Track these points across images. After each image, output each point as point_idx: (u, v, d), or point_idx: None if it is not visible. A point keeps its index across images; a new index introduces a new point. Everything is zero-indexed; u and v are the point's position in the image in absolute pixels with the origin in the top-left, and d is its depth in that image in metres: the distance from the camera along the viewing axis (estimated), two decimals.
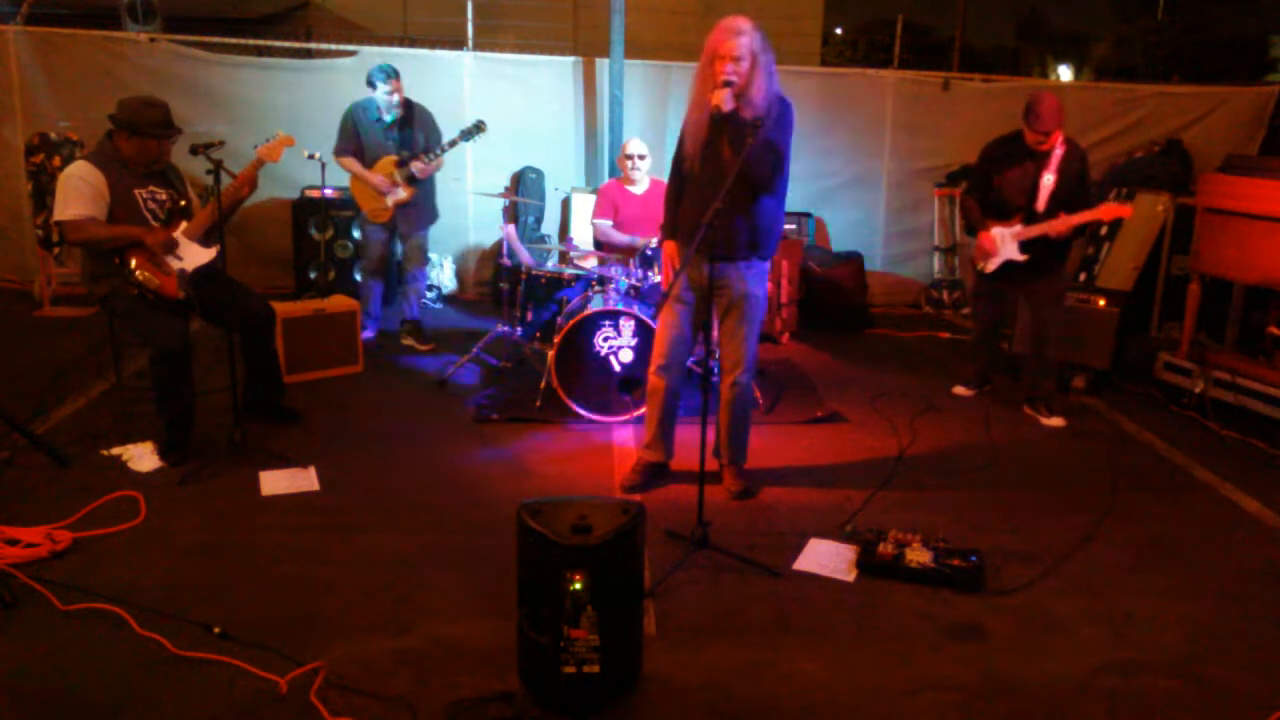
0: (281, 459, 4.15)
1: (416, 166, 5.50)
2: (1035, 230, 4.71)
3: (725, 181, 3.35)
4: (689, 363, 5.15)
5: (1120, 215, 4.57)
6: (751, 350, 3.87)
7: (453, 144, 5.56)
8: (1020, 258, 4.81)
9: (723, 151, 3.59)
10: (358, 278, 6.59)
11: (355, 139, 5.61)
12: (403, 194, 5.57)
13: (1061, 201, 4.69)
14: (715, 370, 3.98)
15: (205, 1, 11.50)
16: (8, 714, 2.53)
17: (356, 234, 6.69)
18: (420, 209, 5.77)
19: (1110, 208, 4.55)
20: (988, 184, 4.94)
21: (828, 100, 7.56)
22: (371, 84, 5.50)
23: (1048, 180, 4.73)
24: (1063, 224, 4.62)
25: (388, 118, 5.59)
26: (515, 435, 4.62)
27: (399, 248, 6.13)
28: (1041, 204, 4.74)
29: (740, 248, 3.69)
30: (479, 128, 5.55)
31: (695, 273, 3.75)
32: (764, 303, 3.87)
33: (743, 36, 3.44)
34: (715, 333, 3.89)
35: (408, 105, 5.65)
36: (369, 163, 5.62)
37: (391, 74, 5.49)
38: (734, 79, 3.45)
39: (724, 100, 3.44)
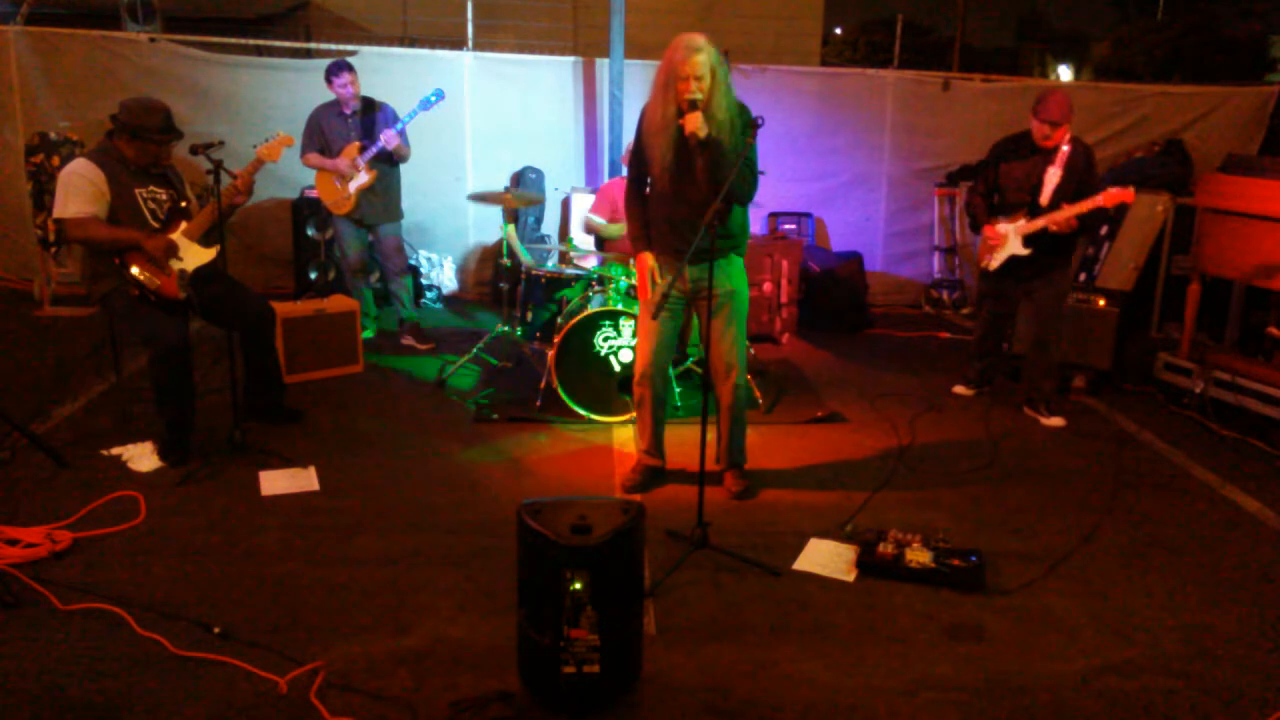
0: (281, 459, 4.15)
1: (385, 135, 5.52)
2: (1040, 222, 4.70)
3: (701, 193, 3.52)
4: (690, 363, 5.18)
5: (1123, 200, 4.51)
6: (743, 348, 3.89)
7: (412, 115, 5.60)
8: (1024, 252, 4.81)
9: (695, 172, 3.61)
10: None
11: (320, 135, 5.67)
12: (365, 178, 5.59)
13: (1067, 198, 4.68)
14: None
15: (205, 1, 11.49)
16: (8, 714, 2.53)
17: None
18: (384, 200, 5.78)
19: (1113, 193, 4.50)
20: (994, 180, 4.94)
21: (828, 100, 7.56)
22: (328, 80, 5.58)
23: (1053, 175, 4.72)
24: (1065, 213, 4.61)
25: (348, 111, 5.64)
26: (515, 435, 4.62)
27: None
28: (1045, 198, 4.74)
29: (724, 247, 3.72)
30: (437, 95, 5.60)
31: (680, 278, 3.77)
32: (747, 298, 3.89)
33: (701, 54, 3.44)
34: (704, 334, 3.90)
35: (368, 101, 5.72)
36: (333, 156, 5.66)
37: (345, 67, 5.57)
38: (699, 98, 3.46)
39: (700, 126, 3.46)
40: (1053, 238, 4.72)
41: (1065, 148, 4.72)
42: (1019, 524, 3.84)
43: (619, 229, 5.51)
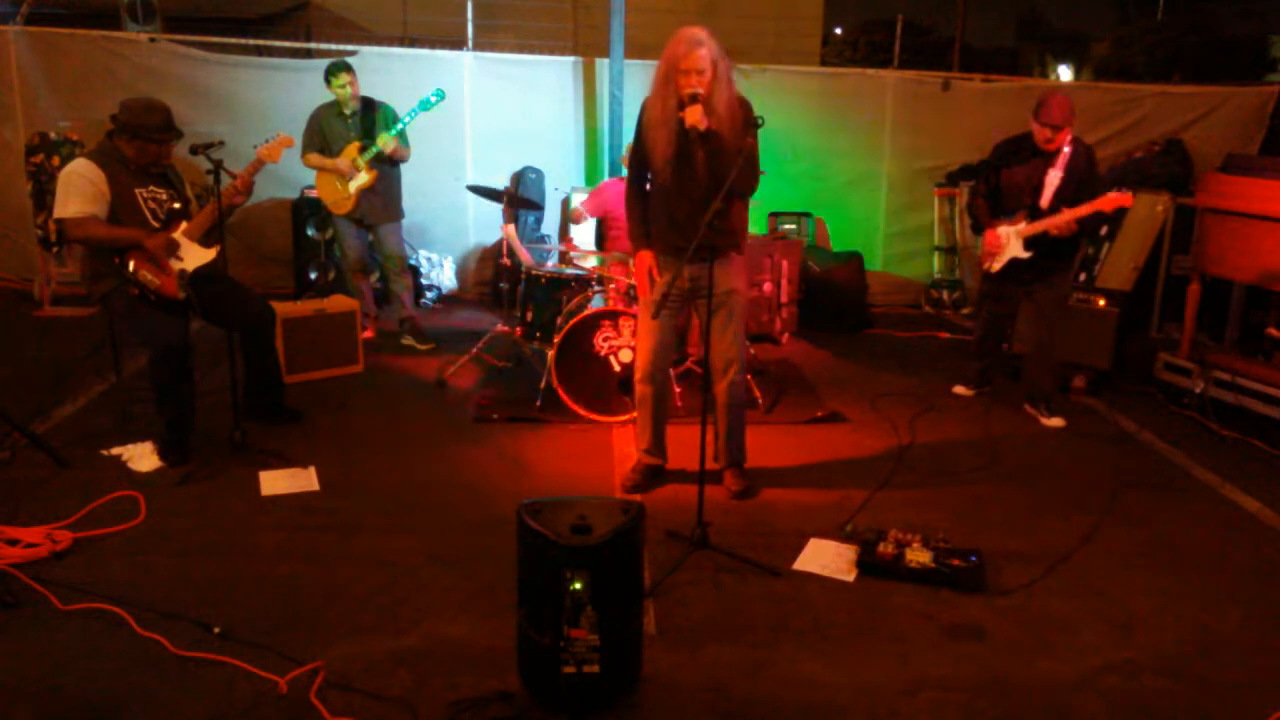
0: (281, 459, 4.15)
1: (382, 139, 5.53)
2: (1039, 226, 4.70)
3: (701, 188, 3.52)
4: (691, 363, 5.18)
5: (1122, 204, 4.51)
6: (742, 346, 3.89)
7: (412, 116, 5.60)
8: (1024, 255, 4.81)
9: (695, 166, 3.61)
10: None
11: (319, 135, 5.68)
12: (365, 177, 5.60)
13: (1067, 200, 4.68)
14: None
15: (205, 1, 11.50)
16: (8, 713, 2.53)
17: None
18: (385, 199, 5.78)
19: (1111, 198, 4.50)
20: (995, 182, 4.94)
21: (828, 100, 7.56)
22: (327, 81, 5.58)
23: (1053, 178, 4.72)
24: (1064, 217, 4.60)
25: (347, 111, 5.65)
26: (515, 435, 4.62)
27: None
28: (1046, 201, 4.74)
29: (724, 244, 3.72)
30: (438, 96, 5.60)
31: (680, 275, 3.76)
32: (746, 296, 3.88)
33: (702, 48, 3.43)
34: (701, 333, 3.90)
35: (368, 101, 5.72)
36: (333, 156, 5.66)
37: (344, 68, 5.58)
38: (700, 91, 3.45)
39: (700, 119, 3.45)
40: (1053, 240, 4.72)
41: (1066, 149, 4.71)
42: (1019, 524, 3.84)
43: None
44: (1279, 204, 4.85)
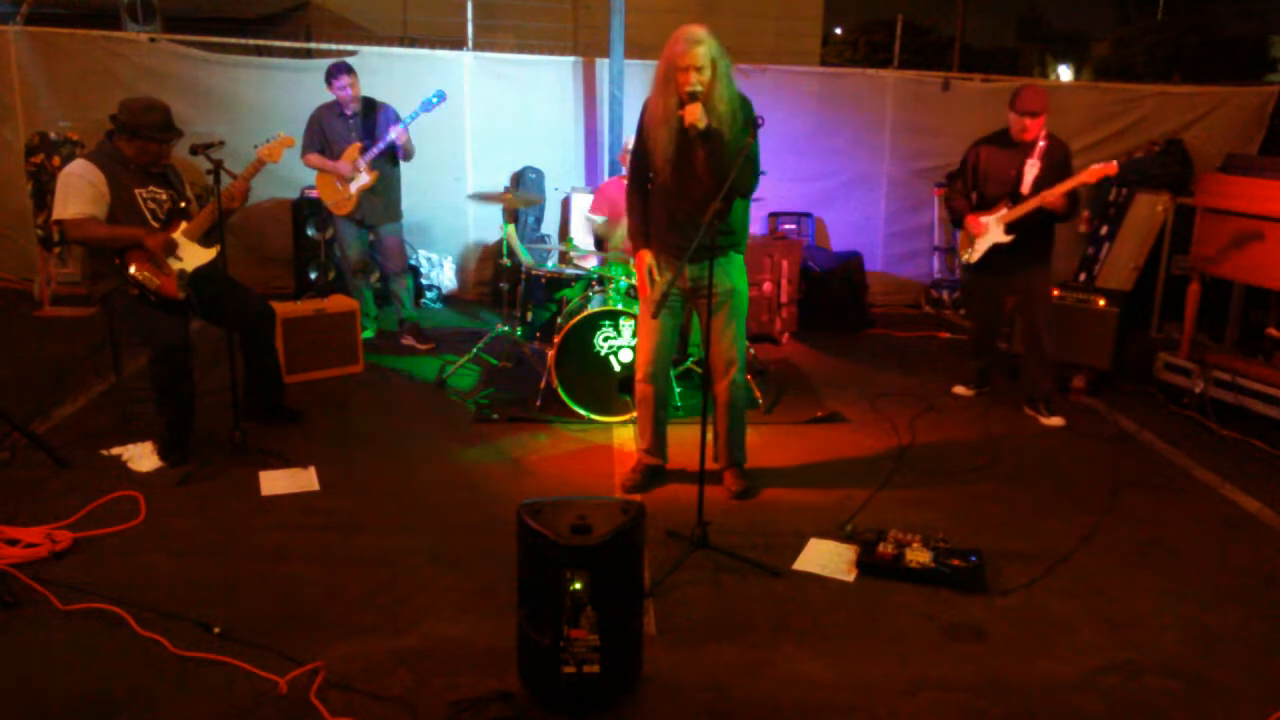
0: (281, 459, 4.15)
1: (394, 131, 5.54)
2: (1027, 206, 4.73)
3: (702, 188, 3.52)
4: (690, 363, 5.18)
5: (1106, 174, 4.63)
6: (743, 346, 3.89)
7: (414, 117, 5.61)
8: (1006, 239, 4.83)
9: (696, 165, 3.61)
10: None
11: (320, 135, 5.68)
12: (366, 178, 5.60)
13: (1045, 189, 4.71)
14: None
15: (205, 1, 11.51)
16: (8, 714, 2.53)
17: None
18: (385, 200, 5.79)
19: (1095, 169, 4.60)
20: (973, 177, 4.97)
21: (828, 100, 7.56)
22: (328, 82, 5.59)
23: (1031, 167, 4.79)
24: (1055, 192, 4.64)
25: (348, 111, 5.65)
26: (515, 435, 4.62)
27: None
28: (1027, 187, 4.79)
29: (724, 244, 3.72)
30: (439, 97, 5.60)
31: (680, 275, 3.76)
32: (746, 296, 3.89)
33: (701, 46, 3.44)
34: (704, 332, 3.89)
35: (369, 102, 5.73)
36: (334, 156, 5.67)
37: (345, 69, 5.59)
38: (699, 89, 3.45)
39: (700, 117, 3.45)
40: (1032, 227, 4.76)
41: (1042, 142, 4.78)
42: (1019, 524, 3.84)
43: (620, 237, 5.48)
44: (1279, 204, 4.85)
